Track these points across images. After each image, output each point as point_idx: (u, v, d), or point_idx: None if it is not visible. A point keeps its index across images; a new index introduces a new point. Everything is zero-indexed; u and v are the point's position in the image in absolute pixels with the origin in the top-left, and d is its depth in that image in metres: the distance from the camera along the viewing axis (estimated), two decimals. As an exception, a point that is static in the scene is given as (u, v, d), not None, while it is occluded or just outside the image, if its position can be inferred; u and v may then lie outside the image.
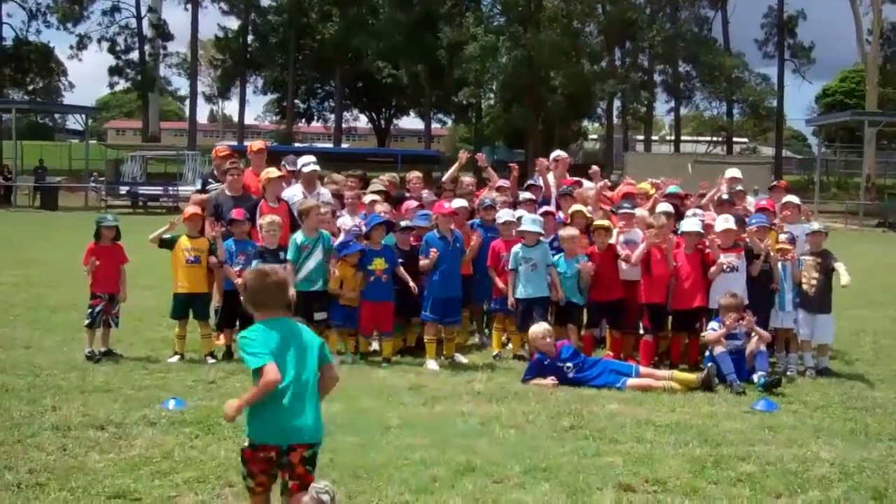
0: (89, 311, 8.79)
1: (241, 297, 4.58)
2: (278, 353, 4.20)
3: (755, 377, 8.07)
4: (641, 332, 9.03)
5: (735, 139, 68.98)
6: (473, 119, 66.96)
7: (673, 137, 70.05)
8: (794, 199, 9.84)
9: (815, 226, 9.25)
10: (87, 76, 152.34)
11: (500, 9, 56.41)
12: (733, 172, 10.57)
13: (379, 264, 9.00)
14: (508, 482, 5.33)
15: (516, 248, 9.05)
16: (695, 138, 77.91)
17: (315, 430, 4.27)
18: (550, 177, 10.97)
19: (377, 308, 9.03)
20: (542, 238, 9.14)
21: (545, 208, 10.08)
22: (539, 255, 8.97)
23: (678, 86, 62.79)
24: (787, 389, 7.97)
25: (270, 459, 4.21)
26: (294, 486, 4.23)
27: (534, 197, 10.28)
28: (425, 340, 9.06)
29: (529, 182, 11.12)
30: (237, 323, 9.18)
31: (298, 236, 8.85)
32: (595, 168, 11.39)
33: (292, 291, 8.54)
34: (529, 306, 8.92)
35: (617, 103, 61.63)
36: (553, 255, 9.21)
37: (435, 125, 73.64)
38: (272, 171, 9.72)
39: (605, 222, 9.33)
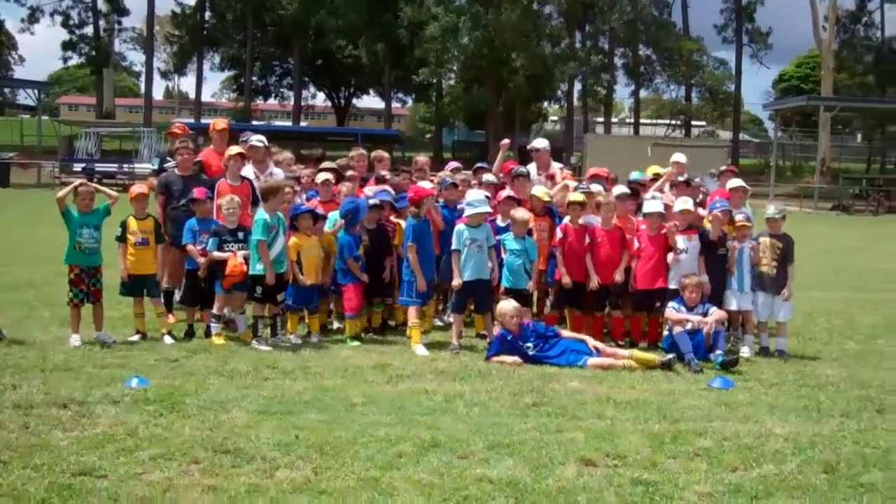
0: None
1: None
2: None
3: (713, 356, 8.25)
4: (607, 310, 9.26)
5: (693, 123, 69.77)
6: (434, 99, 66.82)
7: (632, 120, 70.60)
8: (739, 182, 9.76)
9: (771, 210, 9.28)
10: (39, 50, 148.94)
11: (460, -11, 56.15)
12: (678, 157, 10.49)
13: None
14: (473, 458, 5.40)
15: (460, 227, 8.87)
16: (654, 121, 78.64)
17: None
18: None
19: (358, 289, 9.12)
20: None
21: (506, 193, 9.89)
22: (483, 236, 8.85)
23: (638, 69, 63.26)
24: (743, 368, 8.15)
25: None
26: None
27: (495, 180, 10.37)
28: (410, 325, 8.85)
29: (477, 165, 11.08)
30: (199, 302, 9.20)
31: (265, 216, 8.63)
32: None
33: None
34: (470, 289, 8.89)
35: (577, 85, 61.94)
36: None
37: (395, 104, 73.39)
38: (233, 149, 9.67)
39: (580, 196, 9.31)
